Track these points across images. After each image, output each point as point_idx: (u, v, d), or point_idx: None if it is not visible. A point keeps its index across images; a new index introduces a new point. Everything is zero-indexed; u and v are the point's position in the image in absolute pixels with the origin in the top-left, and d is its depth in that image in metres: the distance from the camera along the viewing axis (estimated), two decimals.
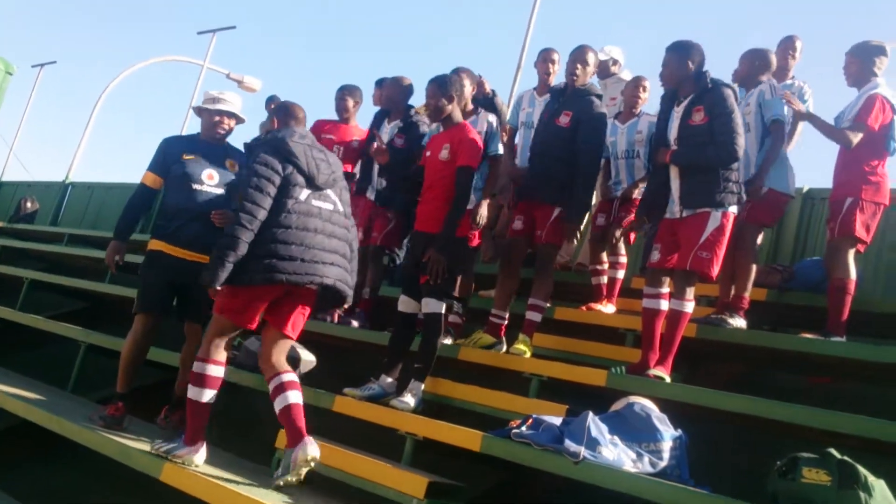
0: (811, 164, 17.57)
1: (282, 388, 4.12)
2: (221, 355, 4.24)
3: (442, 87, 5.15)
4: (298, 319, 4.32)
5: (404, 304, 5.18)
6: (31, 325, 7.77)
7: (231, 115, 5.20)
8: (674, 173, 4.86)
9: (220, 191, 5.06)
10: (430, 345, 5.01)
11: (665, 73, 5.02)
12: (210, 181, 5.05)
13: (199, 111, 5.25)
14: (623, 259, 6.32)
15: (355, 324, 6.14)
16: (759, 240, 5.69)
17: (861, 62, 5.33)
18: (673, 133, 4.90)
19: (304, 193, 4.21)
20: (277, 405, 4.10)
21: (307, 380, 5.45)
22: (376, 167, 6.34)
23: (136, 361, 5.09)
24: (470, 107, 5.65)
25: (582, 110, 5.39)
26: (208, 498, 3.91)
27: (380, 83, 7.39)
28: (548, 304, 5.52)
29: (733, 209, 4.74)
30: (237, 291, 4.11)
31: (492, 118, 5.67)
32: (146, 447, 4.44)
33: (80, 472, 5.79)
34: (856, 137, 5.09)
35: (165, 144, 5.22)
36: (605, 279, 6.23)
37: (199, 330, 4.98)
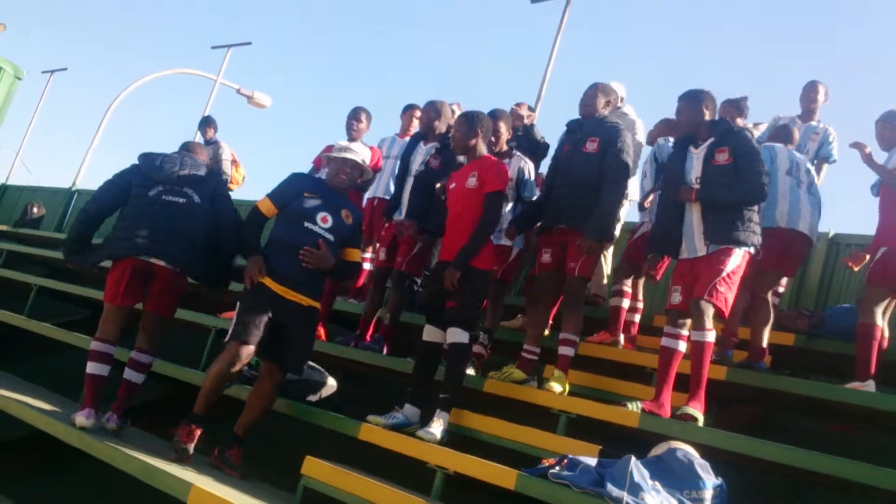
0: (837, 209, 17.68)
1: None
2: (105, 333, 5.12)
3: (469, 121, 5.27)
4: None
5: (429, 333, 5.13)
6: (41, 332, 7.68)
7: (353, 166, 5.18)
8: (695, 211, 4.90)
9: (331, 237, 4.98)
10: (456, 375, 4.96)
11: (682, 120, 5.16)
12: (323, 224, 4.98)
13: (328, 160, 5.27)
14: (639, 304, 6.31)
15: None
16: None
17: (893, 127, 5.49)
18: (695, 173, 4.97)
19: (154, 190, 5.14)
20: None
21: (327, 405, 5.40)
22: (407, 192, 6.30)
23: (219, 390, 4.85)
24: (505, 148, 5.67)
25: (610, 135, 5.36)
26: None
27: (407, 109, 7.46)
28: (578, 338, 5.46)
29: (752, 250, 4.85)
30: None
31: (525, 164, 5.71)
32: (171, 468, 4.36)
33: (93, 488, 5.68)
34: None
35: (293, 178, 5.17)
36: (623, 304, 6.18)
37: (276, 372, 4.92)
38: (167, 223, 5.04)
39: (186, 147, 5.63)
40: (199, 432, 4.72)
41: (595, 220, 5.22)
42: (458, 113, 6.93)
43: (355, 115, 7.41)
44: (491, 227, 5.11)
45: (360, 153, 5.27)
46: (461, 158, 5.52)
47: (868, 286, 5.26)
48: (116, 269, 5.08)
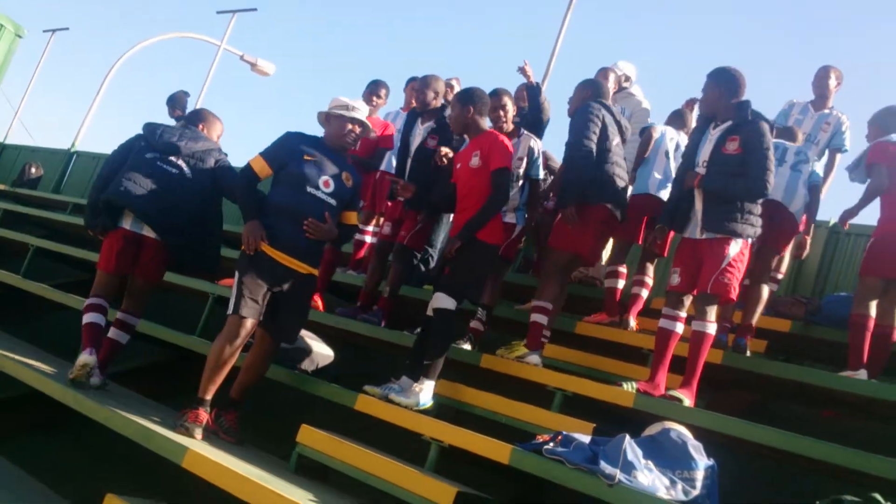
0: (838, 199, 17.72)
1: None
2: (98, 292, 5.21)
3: (462, 99, 5.26)
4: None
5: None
6: (38, 293, 7.68)
7: (361, 125, 4.95)
8: (698, 196, 4.90)
9: (333, 202, 4.78)
10: (436, 340, 4.94)
11: (704, 99, 5.08)
12: (325, 189, 4.75)
13: (327, 117, 4.93)
14: (648, 280, 6.28)
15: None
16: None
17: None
18: (704, 156, 4.95)
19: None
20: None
21: (324, 375, 5.42)
22: (408, 170, 6.28)
23: (225, 367, 4.60)
24: (511, 127, 5.63)
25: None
26: (231, 489, 3.83)
27: (409, 82, 7.42)
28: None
29: (750, 240, 4.86)
30: None
31: (534, 143, 5.69)
32: (168, 431, 4.38)
33: (88, 448, 5.71)
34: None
35: (288, 138, 4.87)
36: (618, 284, 6.19)
37: (270, 338, 4.81)
38: (160, 187, 5.12)
39: (197, 116, 5.70)
40: (206, 417, 4.53)
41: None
42: (456, 88, 6.93)
43: (376, 89, 7.28)
44: (499, 204, 5.10)
45: (363, 111, 5.01)
46: (465, 137, 5.51)
47: (860, 277, 5.35)
48: (110, 238, 5.22)
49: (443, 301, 4.93)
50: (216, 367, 4.57)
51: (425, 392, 4.80)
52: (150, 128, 5.37)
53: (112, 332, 5.33)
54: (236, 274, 4.67)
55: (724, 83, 4.93)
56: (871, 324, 5.13)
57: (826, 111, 6.35)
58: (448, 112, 5.86)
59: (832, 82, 6.39)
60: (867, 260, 5.32)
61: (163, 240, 5.16)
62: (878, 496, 3.28)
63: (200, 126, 5.57)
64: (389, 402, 4.76)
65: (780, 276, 6.31)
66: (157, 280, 5.43)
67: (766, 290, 5.63)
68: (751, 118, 4.84)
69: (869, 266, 5.28)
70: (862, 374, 4.96)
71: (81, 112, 19.99)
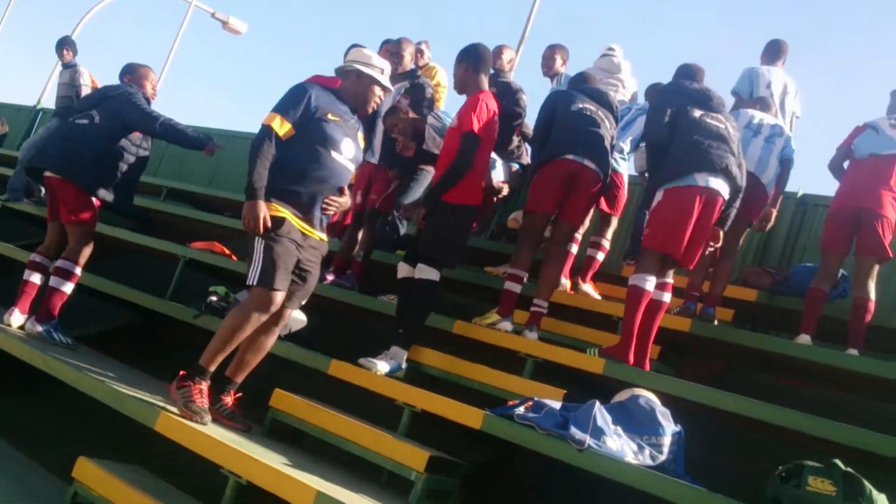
0: (808, 170, 17.88)
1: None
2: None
3: (459, 57, 5.19)
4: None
5: (401, 269, 5.14)
6: (5, 253, 7.58)
7: (385, 92, 4.63)
8: None
9: (351, 167, 4.46)
10: (415, 310, 4.98)
11: None
12: (347, 154, 4.39)
13: (358, 74, 4.47)
14: (605, 243, 6.33)
15: (329, 278, 6.23)
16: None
17: None
18: None
19: None
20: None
21: (297, 340, 5.43)
22: (378, 133, 6.30)
23: (239, 340, 4.25)
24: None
25: None
26: (205, 452, 3.85)
27: (383, 45, 7.36)
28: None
29: (673, 185, 4.87)
30: None
31: None
32: (140, 394, 4.38)
33: (60, 412, 5.69)
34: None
35: (303, 91, 4.32)
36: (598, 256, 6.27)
37: (286, 311, 4.41)
38: (68, 139, 5.60)
39: (122, 70, 6.06)
40: (206, 387, 4.19)
41: None
42: (426, 52, 6.94)
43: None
44: (461, 168, 4.93)
45: (388, 73, 4.64)
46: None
47: (822, 253, 5.53)
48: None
49: (424, 272, 4.95)
50: (230, 339, 4.18)
51: (398, 359, 4.85)
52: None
53: (52, 280, 5.57)
54: (261, 242, 4.15)
55: None
56: (822, 296, 5.33)
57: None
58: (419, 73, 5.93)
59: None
60: (823, 237, 5.53)
61: (66, 179, 5.51)
62: (838, 462, 3.37)
63: (126, 78, 5.97)
64: (359, 366, 4.79)
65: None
66: (78, 224, 5.59)
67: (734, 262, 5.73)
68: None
69: (823, 243, 5.52)
70: (804, 338, 5.12)
71: (48, 69, 19.56)
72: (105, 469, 3.97)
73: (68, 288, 5.55)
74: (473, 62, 5.12)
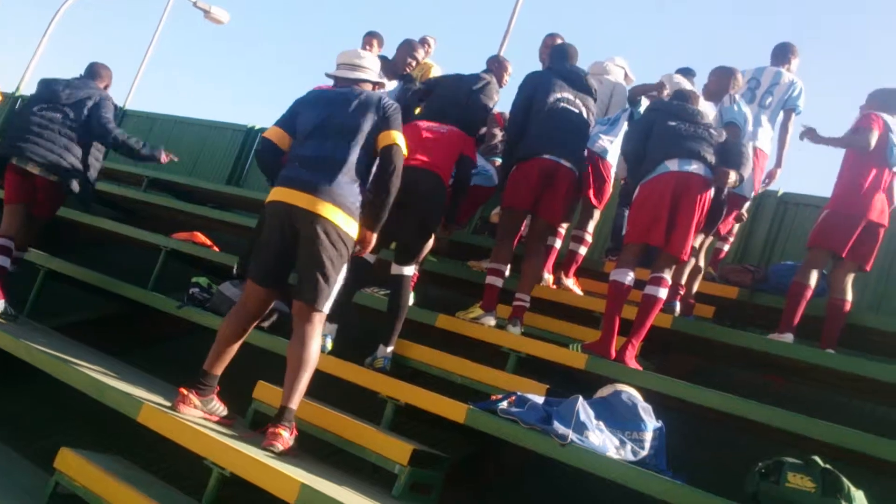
0: (788, 169, 18.01)
1: None
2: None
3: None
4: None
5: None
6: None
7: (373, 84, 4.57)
8: None
9: None
10: (398, 307, 5.01)
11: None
12: None
13: (335, 79, 4.54)
14: (587, 237, 6.35)
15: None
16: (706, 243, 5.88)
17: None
18: None
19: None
20: None
21: (279, 331, 5.42)
22: None
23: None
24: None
25: None
26: (187, 443, 3.84)
27: (365, 36, 7.36)
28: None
29: (646, 178, 4.99)
30: None
31: None
32: (122, 385, 4.36)
33: (44, 403, 5.65)
34: (865, 139, 5.25)
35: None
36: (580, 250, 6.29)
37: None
38: (41, 130, 5.89)
39: (90, 69, 6.39)
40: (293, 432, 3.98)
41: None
42: (433, 46, 6.99)
43: (369, 40, 7.07)
44: None
45: (371, 68, 4.54)
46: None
47: (808, 248, 5.43)
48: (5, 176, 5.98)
49: (398, 268, 5.06)
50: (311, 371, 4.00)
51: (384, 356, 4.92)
52: (43, 84, 6.16)
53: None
54: (345, 268, 4.12)
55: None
56: (809, 293, 5.27)
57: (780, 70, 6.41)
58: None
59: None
60: (817, 232, 5.37)
61: (54, 177, 5.90)
62: (817, 458, 3.42)
63: (103, 85, 6.34)
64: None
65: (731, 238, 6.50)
66: (48, 217, 6.18)
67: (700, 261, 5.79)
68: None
69: (818, 238, 5.36)
70: (788, 337, 5.14)
71: (27, 55, 19.37)
72: (87, 459, 3.95)
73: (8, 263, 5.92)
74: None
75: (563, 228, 6.18)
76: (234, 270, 5.93)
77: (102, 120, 6.03)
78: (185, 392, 4.12)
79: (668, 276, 4.89)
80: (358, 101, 4.23)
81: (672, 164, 4.89)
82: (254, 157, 4.37)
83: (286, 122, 4.30)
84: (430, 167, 5.07)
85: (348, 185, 4.04)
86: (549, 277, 6.10)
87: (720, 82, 5.82)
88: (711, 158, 4.93)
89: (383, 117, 4.20)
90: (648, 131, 5.12)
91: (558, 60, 5.83)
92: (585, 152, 5.73)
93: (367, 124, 4.17)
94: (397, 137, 4.20)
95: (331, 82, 4.65)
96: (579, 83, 5.68)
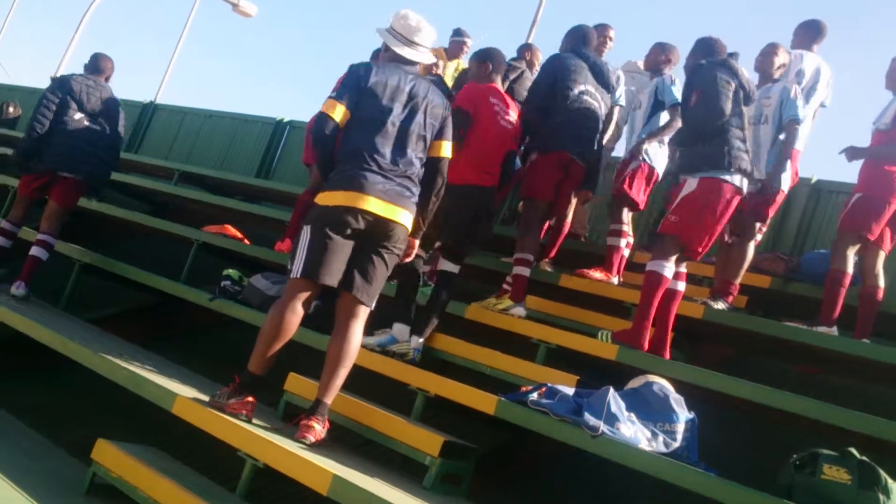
0: (821, 157, 17.78)
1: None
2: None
3: (474, 58, 5.47)
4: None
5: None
6: (25, 238, 7.63)
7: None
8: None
9: None
10: (438, 301, 5.05)
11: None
12: None
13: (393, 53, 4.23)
14: (624, 228, 6.28)
15: None
16: (761, 233, 5.78)
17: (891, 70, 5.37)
18: None
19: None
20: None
21: (308, 323, 5.44)
22: None
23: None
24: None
25: None
26: (221, 434, 3.88)
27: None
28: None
29: (711, 175, 4.71)
30: None
31: None
32: (157, 377, 4.41)
33: (80, 395, 5.75)
34: None
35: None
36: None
37: None
38: (79, 141, 6.37)
39: (94, 63, 6.76)
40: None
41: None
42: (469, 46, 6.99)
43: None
44: None
45: (428, 45, 4.37)
46: None
47: (840, 232, 5.32)
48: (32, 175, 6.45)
49: (444, 265, 5.11)
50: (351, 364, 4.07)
51: (417, 345, 4.93)
52: (67, 86, 6.47)
53: (33, 250, 6.36)
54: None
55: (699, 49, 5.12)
56: (848, 280, 5.19)
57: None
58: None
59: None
60: (849, 215, 5.26)
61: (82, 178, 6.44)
62: (853, 450, 3.38)
63: (101, 77, 6.73)
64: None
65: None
66: (71, 206, 6.61)
67: (750, 251, 5.65)
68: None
69: (849, 221, 5.25)
70: (833, 329, 5.06)
71: (61, 49, 19.59)
72: (123, 451, 4.01)
73: (46, 256, 6.42)
74: (495, 64, 5.33)
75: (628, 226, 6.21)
76: None
77: (119, 127, 6.65)
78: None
79: (684, 269, 4.90)
80: (427, 101, 4.14)
81: (736, 179, 4.72)
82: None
83: (351, 100, 4.02)
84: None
85: (416, 190, 4.11)
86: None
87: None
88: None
89: (443, 125, 4.22)
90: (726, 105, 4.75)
91: (580, 44, 5.79)
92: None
93: (432, 131, 4.17)
94: (449, 149, 4.25)
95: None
96: (601, 77, 5.69)
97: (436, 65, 6.71)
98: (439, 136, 4.21)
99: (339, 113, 3.98)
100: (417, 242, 4.30)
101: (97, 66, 6.72)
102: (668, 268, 4.73)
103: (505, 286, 5.61)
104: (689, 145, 4.90)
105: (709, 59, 4.95)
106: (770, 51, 5.68)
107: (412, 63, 4.26)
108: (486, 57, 5.33)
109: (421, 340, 4.94)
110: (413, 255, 4.34)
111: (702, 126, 4.78)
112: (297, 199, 6.64)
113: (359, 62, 4.20)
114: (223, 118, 12.34)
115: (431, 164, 4.17)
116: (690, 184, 4.78)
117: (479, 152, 5.07)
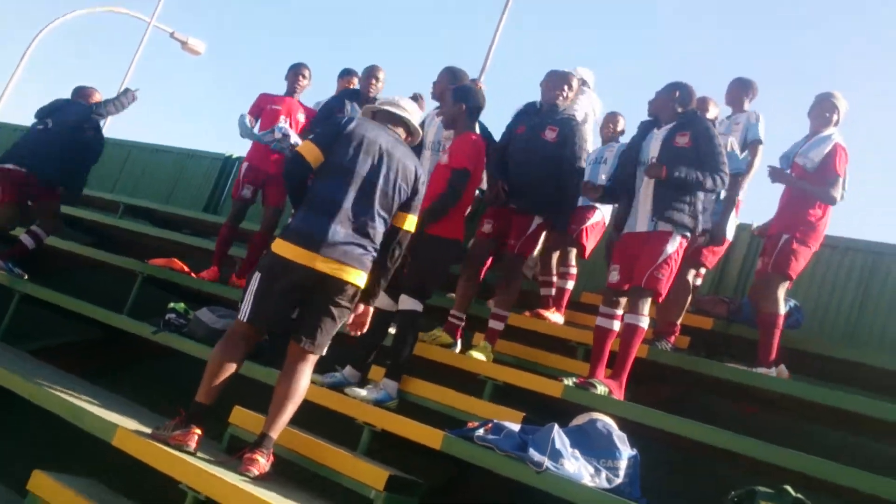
0: (759, 202, 18.36)
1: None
2: None
3: (455, 95, 5.40)
4: None
5: (380, 300, 5.15)
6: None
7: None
8: (648, 188, 5.03)
9: None
10: (400, 342, 4.99)
11: (654, 102, 5.31)
12: None
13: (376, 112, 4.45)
14: (573, 270, 6.45)
15: None
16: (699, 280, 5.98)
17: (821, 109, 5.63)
18: (652, 153, 5.10)
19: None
20: None
21: (255, 357, 5.41)
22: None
23: None
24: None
25: (570, 128, 5.52)
26: (162, 467, 3.82)
27: (345, 74, 7.45)
28: (508, 314, 5.59)
29: (688, 235, 4.98)
30: None
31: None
32: (97, 409, 4.34)
33: (13, 425, 5.59)
34: (837, 193, 5.39)
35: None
36: (553, 290, 6.35)
37: None
38: (38, 142, 6.99)
39: (77, 91, 7.46)
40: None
41: (565, 218, 5.63)
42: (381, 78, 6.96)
43: (300, 70, 7.22)
44: (449, 203, 5.06)
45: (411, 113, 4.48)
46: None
47: (771, 275, 5.41)
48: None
49: (406, 303, 5.00)
50: (298, 403, 4.10)
51: (388, 390, 4.89)
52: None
53: (22, 237, 7.01)
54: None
55: (674, 91, 5.16)
56: (781, 321, 5.34)
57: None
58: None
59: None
60: (781, 259, 5.37)
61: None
62: (788, 488, 3.46)
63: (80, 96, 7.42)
64: (346, 395, 4.79)
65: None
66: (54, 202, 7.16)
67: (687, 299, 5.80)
68: (698, 116, 5.16)
69: (783, 265, 5.37)
70: (773, 371, 5.19)
71: (2, 83, 19.31)
72: (61, 482, 3.92)
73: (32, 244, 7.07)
74: (471, 104, 5.33)
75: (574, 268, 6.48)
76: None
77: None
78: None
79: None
80: (399, 162, 4.15)
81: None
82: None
83: (325, 143, 4.09)
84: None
85: (373, 248, 4.08)
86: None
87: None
88: None
89: (413, 194, 4.22)
90: None
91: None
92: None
93: (400, 193, 4.16)
94: (414, 224, 4.28)
95: None
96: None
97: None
98: (406, 207, 4.21)
99: (312, 155, 4.04)
100: (371, 310, 4.28)
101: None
102: (644, 319, 4.88)
103: (450, 319, 5.61)
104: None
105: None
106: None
107: (396, 122, 4.35)
108: (462, 98, 5.34)
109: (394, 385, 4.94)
110: (366, 328, 4.33)
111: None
112: (252, 237, 6.77)
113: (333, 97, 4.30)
114: (170, 153, 12.27)
115: (393, 232, 4.18)
116: (675, 241, 4.93)
117: (465, 208, 5.27)
